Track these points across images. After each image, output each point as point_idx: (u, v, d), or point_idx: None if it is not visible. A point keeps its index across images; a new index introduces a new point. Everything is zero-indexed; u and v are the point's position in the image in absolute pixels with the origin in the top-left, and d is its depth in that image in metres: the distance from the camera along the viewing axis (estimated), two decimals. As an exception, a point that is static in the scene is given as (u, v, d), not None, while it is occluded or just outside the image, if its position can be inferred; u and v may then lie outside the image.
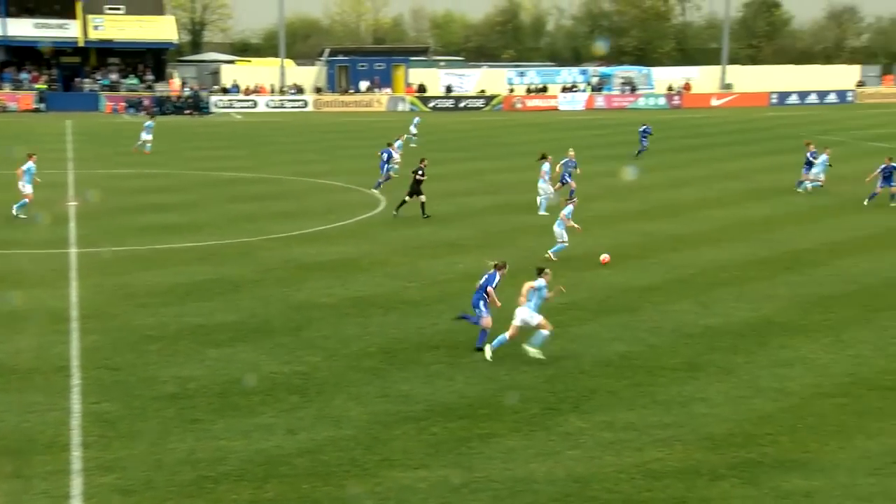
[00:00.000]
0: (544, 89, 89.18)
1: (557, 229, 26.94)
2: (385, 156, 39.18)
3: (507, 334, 18.40)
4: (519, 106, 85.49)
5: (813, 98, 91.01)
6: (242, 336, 20.08)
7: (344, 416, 15.91)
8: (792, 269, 25.94)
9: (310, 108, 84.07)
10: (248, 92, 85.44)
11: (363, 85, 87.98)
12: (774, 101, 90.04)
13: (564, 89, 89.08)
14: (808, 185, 38.68)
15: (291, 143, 58.91)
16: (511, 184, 40.86)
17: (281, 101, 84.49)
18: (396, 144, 42.46)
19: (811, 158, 38.62)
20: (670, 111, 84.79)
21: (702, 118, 75.95)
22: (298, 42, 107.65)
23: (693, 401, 16.65)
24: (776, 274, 25.47)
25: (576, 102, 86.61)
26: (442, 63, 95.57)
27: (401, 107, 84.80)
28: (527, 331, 18.36)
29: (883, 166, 35.62)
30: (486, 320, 18.89)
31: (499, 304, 18.82)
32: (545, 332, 18.30)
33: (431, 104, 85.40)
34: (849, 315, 21.76)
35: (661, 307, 22.44)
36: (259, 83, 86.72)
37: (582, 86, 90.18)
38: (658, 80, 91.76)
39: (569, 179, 35.52)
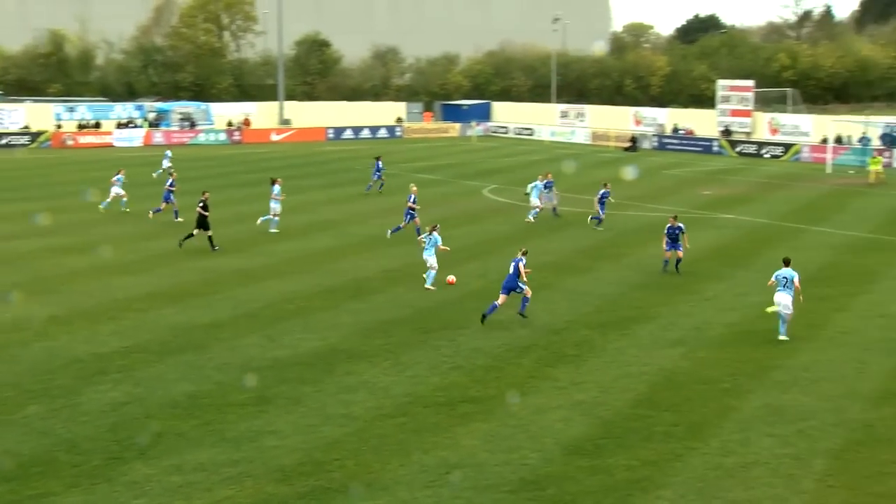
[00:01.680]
0: (98, 125, 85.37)
1: (428, 258, 27.45)
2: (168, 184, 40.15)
3: (784, 316, 22.14)
4: (70, 143, 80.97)
5: (366, 133, 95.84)
6: None
7: None
8: (355, 297, 26.96)
9: None
10: None
11: None
12: (331, 135, 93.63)
13: (120, 125, 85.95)
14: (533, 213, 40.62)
15: None
16: (64, 225, 38.57)
17: None
18: (115, 178, 42.27)
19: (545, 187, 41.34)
20: (232, 146, 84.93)
21: (263, 153, 76.93)
22: None
23: (263, 434, 16.67)
24: (341, 303, 26.32)
25: (133, 139, 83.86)
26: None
27: (-67, 144, 76.70)
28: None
29: (602, 192, 38.73)
30: (528, 291, 23.62)
31: (527, 277, 23.71)
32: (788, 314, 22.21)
33: (-33, 141, 78.19)
34: (406, 338, 23.03)
35: (228, 343, 22.29)
36: None
37: (139, 121, 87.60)
38: (217, 116, 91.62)
39: (413, 214, 35.94)
